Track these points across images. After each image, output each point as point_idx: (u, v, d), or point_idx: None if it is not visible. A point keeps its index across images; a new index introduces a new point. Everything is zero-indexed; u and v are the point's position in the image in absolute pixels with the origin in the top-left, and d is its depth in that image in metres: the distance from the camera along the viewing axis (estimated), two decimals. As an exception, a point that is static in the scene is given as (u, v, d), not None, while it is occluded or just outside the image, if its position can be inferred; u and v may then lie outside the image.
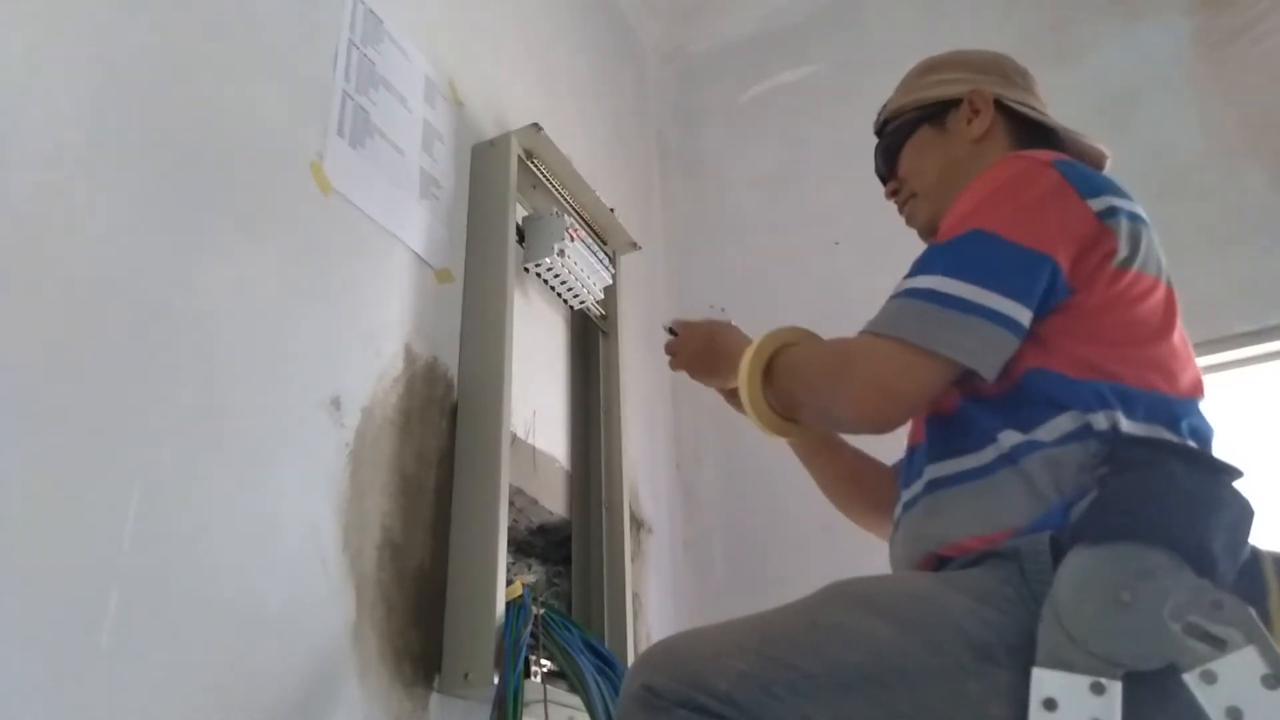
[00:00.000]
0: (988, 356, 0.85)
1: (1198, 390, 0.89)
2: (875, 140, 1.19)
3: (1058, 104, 1.13)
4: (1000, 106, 1.08)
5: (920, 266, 0.91)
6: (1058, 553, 0.75)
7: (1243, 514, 0.76)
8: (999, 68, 1.13)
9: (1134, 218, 0.91)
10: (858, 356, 0.91)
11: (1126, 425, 0.82)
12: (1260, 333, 1.69)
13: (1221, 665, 0.67)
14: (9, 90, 0.82)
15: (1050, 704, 0.69)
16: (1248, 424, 1.74)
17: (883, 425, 0.91)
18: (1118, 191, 0.92)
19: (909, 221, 1.15)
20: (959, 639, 0.75)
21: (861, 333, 0.91)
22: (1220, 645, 0.68)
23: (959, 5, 2.26)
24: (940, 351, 0.85)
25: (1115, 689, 0.68)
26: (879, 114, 1.20)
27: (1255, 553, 0.75)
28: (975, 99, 1.09)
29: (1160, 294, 0.92)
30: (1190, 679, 0.68)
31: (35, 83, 0.85)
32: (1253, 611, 0.68)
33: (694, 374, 1.21)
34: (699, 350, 1.18)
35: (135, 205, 0.91)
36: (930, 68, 1.17)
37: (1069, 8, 2.12)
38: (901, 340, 0.87)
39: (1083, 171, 0.93)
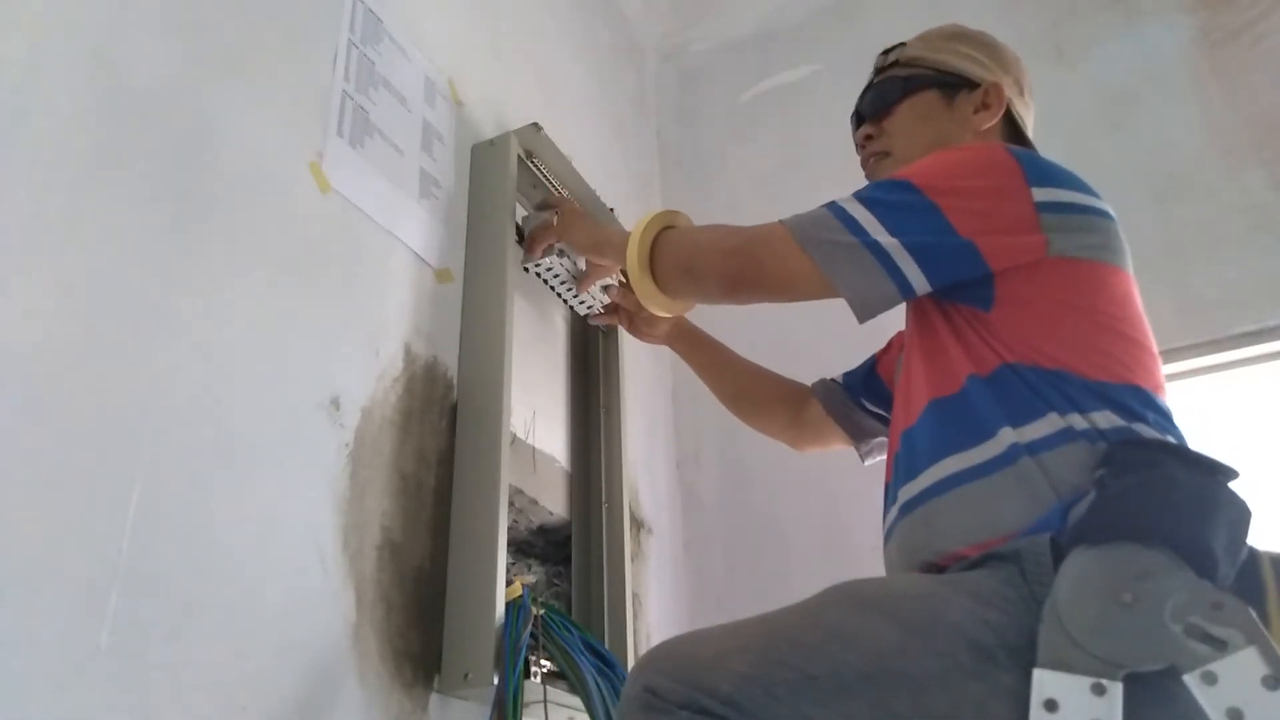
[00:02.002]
0: (861, 291, 0.90)
1: (1162, 389, 0.90)
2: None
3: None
4: (1006, 112, 1.08)
5: (856, 192, 0.95)
6: (1058, 554, 0.75)
7: (1241, 515, 0.76)
8: (1018, 75, 1.12)
9: (1086, 210, 0.91)
10: (750, 231, 0.99)
11: (1109, 425, 0.82)
12: (1261, 333, 1.68)
13: (1222, 666, 0.67)
14: (9, 90, 0.82)
15: (1051, 705, 0.69)
16: (1248, 425, 1.74)
17: (732, 289, 1.00)
18: (1076, 186, 0.92)
19: (868, 176, 1.12)
20: (960, 640, 0.75)
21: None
22: (1221, 646, 0.68)
23: (960, 3, 2.25)
24: (819, 263, 0.92)
25: (1116, 690, 0.68)
26: (886, 51, 1.15)
27: (1253, 553, 0.76)
28: (993, 93, 1.07)
29: (1126, 287, 0.92)
30: (1191, 680, 0.68)
31: (35, 83, 0.84)
32: (1253, 612, 0.69)
33: (575, 240, 1.38)
34: (580, 212, 1.40)
35: (135, 204, 0.91)
36: (959, 35, 1.14)
37: (1069, 7, 2.11)
38: (792, 233, 0.94)
39: (1038, 161, 0.93)
